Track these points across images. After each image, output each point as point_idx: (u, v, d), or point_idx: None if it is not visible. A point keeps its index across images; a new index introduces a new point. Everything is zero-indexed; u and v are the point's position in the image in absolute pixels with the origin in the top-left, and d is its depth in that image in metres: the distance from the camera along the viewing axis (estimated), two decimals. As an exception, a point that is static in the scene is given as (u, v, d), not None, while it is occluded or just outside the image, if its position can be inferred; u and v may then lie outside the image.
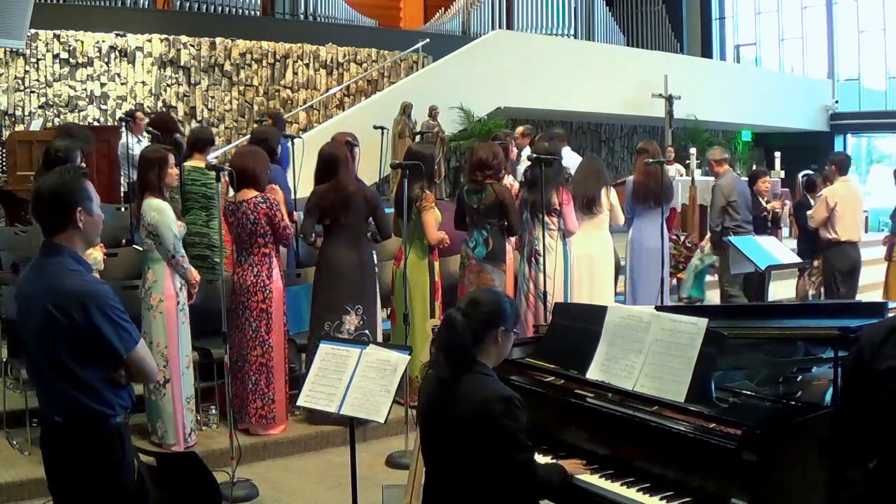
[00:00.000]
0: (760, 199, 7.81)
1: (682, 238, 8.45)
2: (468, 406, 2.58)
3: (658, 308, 3.29)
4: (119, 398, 2.67)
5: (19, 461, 4.61)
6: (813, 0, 20.14)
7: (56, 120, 12.23)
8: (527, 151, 6.95)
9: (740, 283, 7.45)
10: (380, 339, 5.66)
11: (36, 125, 10.82)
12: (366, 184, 5.86)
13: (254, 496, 4.48)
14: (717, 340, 2.84)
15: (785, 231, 10.10)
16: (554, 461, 2.90)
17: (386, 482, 4.40)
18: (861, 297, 7.78)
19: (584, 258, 6.14)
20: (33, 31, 11.72)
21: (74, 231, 2.63)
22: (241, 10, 14.66)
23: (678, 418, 2.70)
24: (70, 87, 12.61)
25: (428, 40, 15.21)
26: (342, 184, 5.34)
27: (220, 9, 14.42)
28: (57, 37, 12.47)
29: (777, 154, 13.42)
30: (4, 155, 8.92)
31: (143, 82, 13.15)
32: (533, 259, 5.91)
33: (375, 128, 9.50)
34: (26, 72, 12.28)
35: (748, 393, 2.88)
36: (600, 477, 2.80)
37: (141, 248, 4.99)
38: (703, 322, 2.85)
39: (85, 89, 12.72)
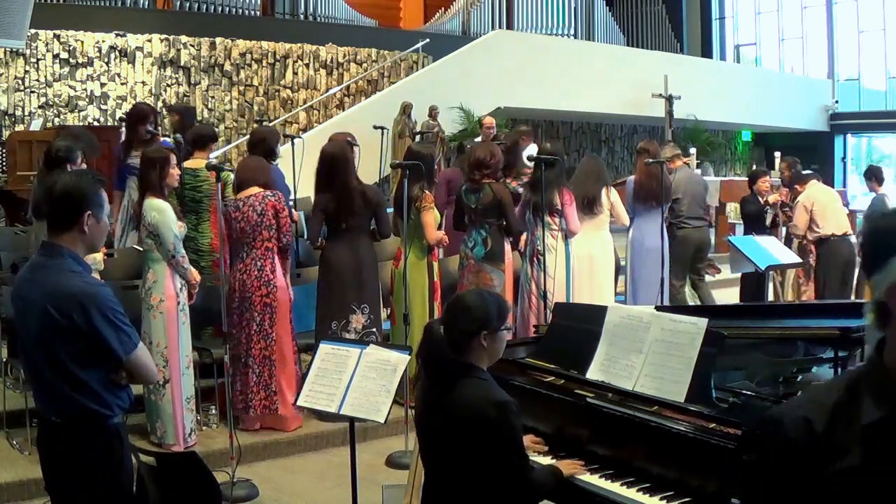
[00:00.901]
0: (760, 199, 7.81)
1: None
2: (463, 412, 2.58)
3: (658, 308, 3.29)
4: (118, 399, 2.67)
5: (19, 461, 4.61)
6: (813, 0, 20.14)
7: (56, 120, 12.23)
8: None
9: (685, 274, 7.52)
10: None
11: (36, 125, 10.82)
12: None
13: (254, 496, 4.48)
14: (717, 340, 2.84)
15: (784, 231, 10.10)
16: (549, 463, 2.90)
17: (386, 482, 4.40)
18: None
19: (584, 258, 6.14)
20: (33, 31, 11.71)
21: (79, 234, 2.63)
22: (241, 10, 14.65)
23: (678, 418, 2.70)
24: (70, 87, 12.61)
25: (428, 40, 15.20)
26: (346, 186, 5.32)
27: (220, 9, 14.41)
28: (57, 37, 12.46)
29: (777, 154, 13.41)
30: (4, 155, 8.92)
31: (143, 82, 13.15)
32: (535, 259, 5.92)
33: (375, 128, 9.51)
34: (26, 72, 12.28)
35: (748, 393, 2.88)
36: (600, 477, 2.80)
37: (141, 249, 4.99)
38: (703, 322, 2.85)
39: (85, 89, 12.72)
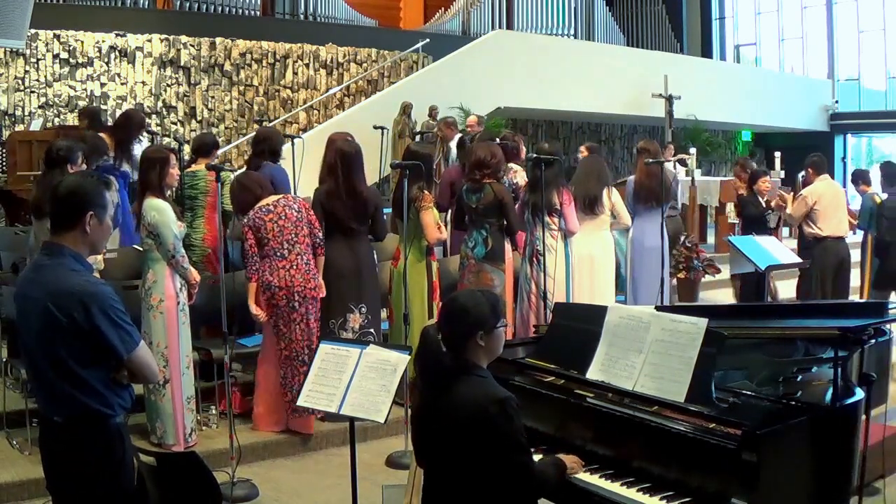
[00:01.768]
0: (761, 199, 7.80)
1: (683, 238, 8.44)
2: (464, 409, 2.58)
3: (658, 308, 3.30)
4: (119, 398, 2.67)
5: (19, 461, 4.60)
6: (813, 0, 20.14)
7: (56, 120, 12.24)
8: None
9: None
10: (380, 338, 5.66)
11: (36, 125, 10.82)
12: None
13: (254, 496, 4.48)
14: (717, 340, 2.84)
15: (785, 231, 10.11)
16: (550, 455, 2.89)
17: (386, 482, 4.41)
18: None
19: (584, 258, 6.14)
20: (33, 31, 11.71)
21: (81, 234, 2.64)
22: (241, 10, 14.66)
23: (678, 418, 2.70)
24: (70, 87, 12.61)
25: (428, 40, 15.21)
26: (355, 188, 5.31)
27: (220, 9, 14.42)
28: (57, 37, 12.47)
29: (777, 154, 13.41)
30: (4, 155, 8.93)
31: (143, 82, 13.16)
32: (534, 259, 5.92)
33: (375, 128, 9.51)
34: (26, 72, 12.28)
35: (748, 393, 2.88)
36: (600, 477, 2.80)
37: (141, 248, 5.00)
38: (703, 322, 2.85)
39: (85, 89, 12.72)
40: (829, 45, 19.98)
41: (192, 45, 13.47)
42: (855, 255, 7.73)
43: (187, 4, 14.12)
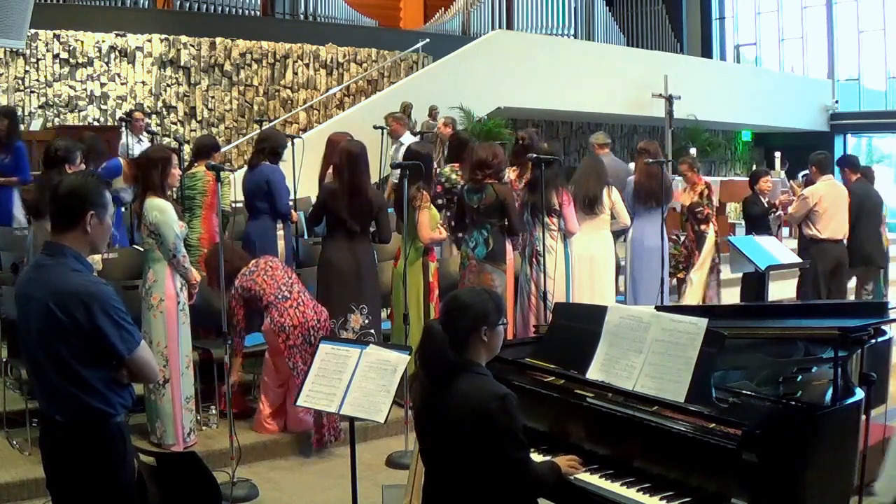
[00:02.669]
0: (762, 199, 7.80)
1: (682, 238, 8.44)
2: (463, 406, 2.59)
3: (658, 308, 3.30)
4: (120, 398, 2.67)
5: (19, 461, 4.61)
6: (813, 0, 20.14)
7: (56, 120, 12.24)
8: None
9: None
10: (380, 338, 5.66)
11: (36, 125, 10.83)
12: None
13: (254, 496, 4.48)
14: (717, 340, 2.84)
15: (785, 231, 10.10)
16: (547, 459, 2.89)
17: (386, 482, 4.41)
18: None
19: (584, 258, 6.14)
20: (33, 31, 11.71)
21: (81, 234, 2.65)
22: (241, 10, 14.65)
23: (678, 418, 2.70)
24: (70, 87, 12.61)
25: (428, 40, 15.20)
26: (360, 189, 5.30)
27: (220, 9, 14.42)
28: (57, 37, 12.46)
29: (777, 154, 13.41)
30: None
31: (143, 82, 13.15)
32: (534, 259, 5.92)
33: (375, 128, 9.50)
34: (26, 72, 12.28)
35: (748, 393, 2.88)
36: (600, 477, 2.80)
37: (141, 248, 4.99)
38: (703, 322, 2.85)
39: (85, 89, 12.72)
40: (829, 45, 19.98)
41: (192, 45, 13.47)
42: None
43: (187, 4, 14.12)
